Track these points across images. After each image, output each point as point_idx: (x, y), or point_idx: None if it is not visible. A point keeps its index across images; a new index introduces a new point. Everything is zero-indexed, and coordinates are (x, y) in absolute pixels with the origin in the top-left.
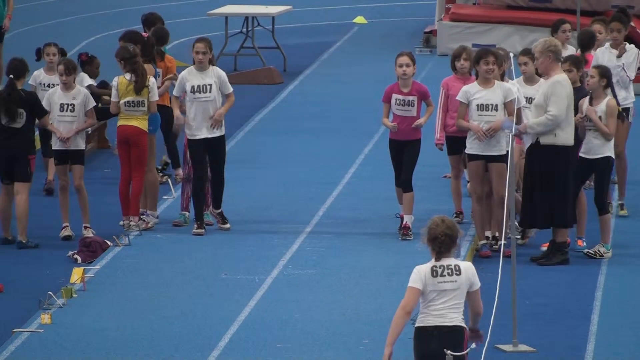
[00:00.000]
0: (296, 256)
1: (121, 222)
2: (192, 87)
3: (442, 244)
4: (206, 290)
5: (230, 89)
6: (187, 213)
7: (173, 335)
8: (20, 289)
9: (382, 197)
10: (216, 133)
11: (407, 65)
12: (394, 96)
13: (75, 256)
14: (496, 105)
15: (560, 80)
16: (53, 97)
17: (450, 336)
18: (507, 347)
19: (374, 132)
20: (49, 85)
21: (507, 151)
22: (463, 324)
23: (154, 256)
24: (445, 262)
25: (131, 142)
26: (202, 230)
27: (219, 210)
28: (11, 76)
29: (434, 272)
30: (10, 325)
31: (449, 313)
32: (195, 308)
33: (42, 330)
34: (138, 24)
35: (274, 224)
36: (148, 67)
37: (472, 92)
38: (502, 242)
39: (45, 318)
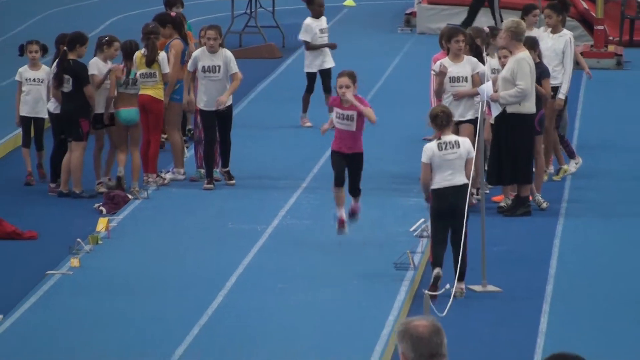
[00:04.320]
0: (294, 208)
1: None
2: (203, 67)
3: (442, 119)
4: (215, 238)
5: (235, 70)
6: (202, 170)
7: (186, 277)
8: (53, 236)
9: (370, 157)
10: (225, 103)
11: (347, 87)
12: (336, 110)
13: (101, 208)
14: (466, 77)
15: (525, 57)
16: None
17: (460, 191)
18: (477, 287)
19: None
20: (34, 80)
21: (477, 117)
22: (467, 181)
23: (169, 208)
24: (447, 138)
25: (147, 109)
26: (212, 185)
27: (227, 169)
28: (65, 48)
29: (439, 147)
30: (44, 268)
31: (456, 176)
32: (206, 253)
33: (71, 273)
34: (158, 5)
35: (274, 181)
36: (177, 42)
37: (448, 65)
38: (476, 196)
39: (75, 262)
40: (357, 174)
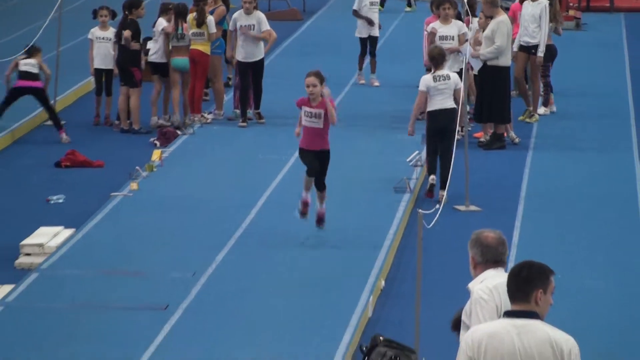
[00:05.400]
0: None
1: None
2: (240, 26)
3: (437, 59)
4: (247, 166)
5: (266, 27)
6: (237, 111)
7: (224, 198)
8: (116, 164)
9: (374, 100)
10: (257, 57)
11: (314, 86)
12: (304, 108)
13: (155, 142)
14: (453, 37)
15: (503, 20)
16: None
17: (449, 114)
18: (461, 207)
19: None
20: (103, 38)
21: (461, 69)
22: (455, 106)
23: (210, 142)
24: (440, 73)
25: (196, 60)
26: (245, 124)
27: (258, 110)
28: (126, 11)
29: (434, 79)
30: (109, 190)
31: (446, 101)
32: (240, 179)
33: (131, 194)
34: None
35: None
36: (221, 8)
37: (437, 27)
38: (461, 133)
39: (134, 185)
40: (323, 170)
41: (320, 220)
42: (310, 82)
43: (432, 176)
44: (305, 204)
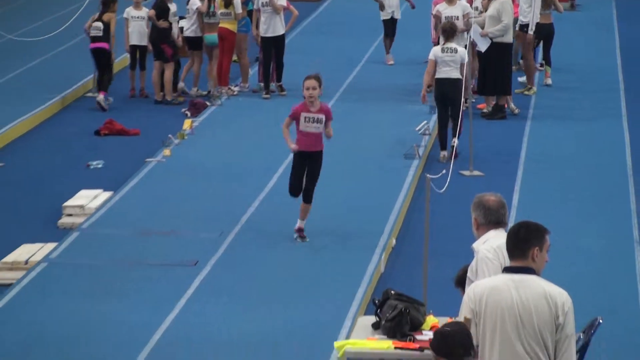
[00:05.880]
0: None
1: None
2: (262, 2)
3: (448, 32)
4: (270, 134)
5: (283, 2)
6: (261, 84)
7: (249, 164)
8: (151, 133)
9: (385, 75)
10: (278, 32)
11: (314, 88)
12: (304, 114)
13: (187, 112)
14: (457, 17)
15: (507, 0)
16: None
17: (455, 83)
18: (466, 172)
19: (377, 34)
20: (137, 17)
21: (465, 46)
22: (460, 77)
23: (236, 112)
24: (448, 45)
25: (224, 38)
26: (268, 95)
27: (280, 83)
28: None
29: (442, 50)
30: (144, 156)
31: (452, 72)
32: (264, 146)
33: (164, 160)
34: None
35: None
36: None
37: (442, 9)
38: (466, 104)
39: (167, 152)
40: (314, 179)
41: (300, 231)
42: (310, 85)
43: (443, 153)
44: (300, 230)
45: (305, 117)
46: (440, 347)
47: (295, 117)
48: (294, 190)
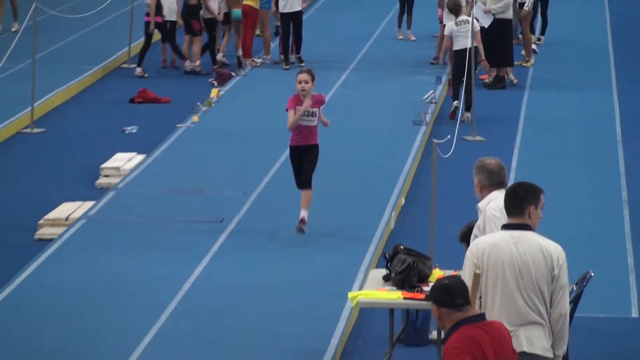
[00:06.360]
0: (344, 82)
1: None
2: None
3: (454, 9)
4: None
5: None
6: (282, 56)
7: (271, 128)
8: (181, 100)
9: (395, 49)
10: (296, 8)
11: (306, 82)
12: (298, 108)
13: (213, 82)
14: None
15: None
16: None
17: (472, 52)
18: (469, 137)
19: (389, 10)
20: None
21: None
22: (474, 45)
23: (260, 82)
24: (460, 18)
25: (247, 14)
26: (288, 66)
27: (299, 55)
28: None
29: (456, 24)
30: (174, 122)
31: (466, 43)
32: (282, 110)
33: (193, 126)
34: None
35: (332, 63)
36: None
37: None
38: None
39: (195, 118)
40: (311, 165)
41: (302, 222)
42: (303, 79)
43: (455, 102)
44: (302, 222)
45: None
46: (443, 298)
47: (292, 107)
48: (298, 183)
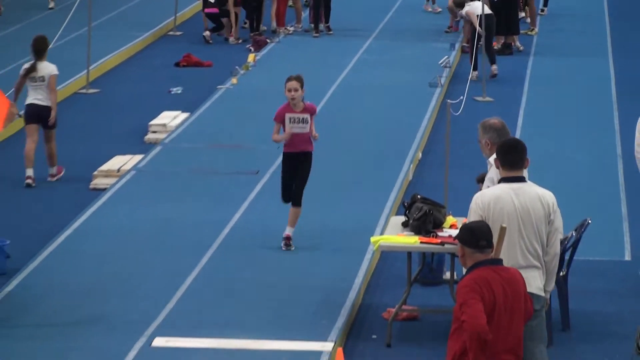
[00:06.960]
0: (368, 49)
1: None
2: None
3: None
4: (319, 64)
5: None
6: (312, 24)
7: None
8: (221, 64)
9: (411, 21)
10: None
11: (295, 90)
12: (288, 115)
13: (250, 47)
14: None
15: None
16: None
17: (488, 18)
18: (479, 98)
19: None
20: None
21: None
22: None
23: (292, 49)
24: None
25: None
26: (318, 34)
27: (328, 24)
28: None
29: None
30: (215, 84)
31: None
32: (313, 74)
33: (232, 87)
34: None
35: (357, 31)
36: None
37: None
38: (481, 42)
39: (234, 80)
40: (303, 181)
41: (287, 239)
42: (292, 87)
43: (474, 72)
44: (288, 239)
45: (289, 118)
46: (469, 239)
47: (280, 120)
48: (284, 196)
